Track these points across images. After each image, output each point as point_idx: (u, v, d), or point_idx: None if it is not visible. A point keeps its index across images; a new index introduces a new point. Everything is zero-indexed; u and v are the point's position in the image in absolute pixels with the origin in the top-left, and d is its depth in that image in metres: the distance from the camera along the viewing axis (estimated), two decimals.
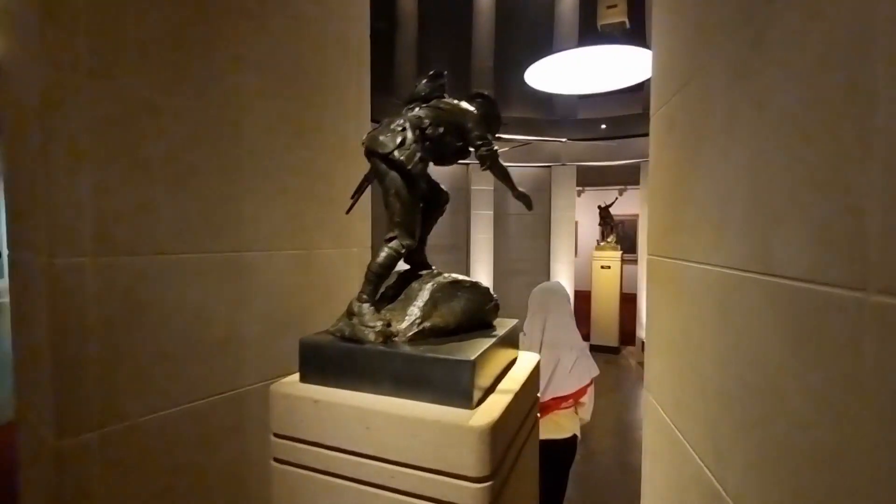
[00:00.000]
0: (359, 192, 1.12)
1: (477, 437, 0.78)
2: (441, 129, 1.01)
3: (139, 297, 1.13)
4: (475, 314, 1.06)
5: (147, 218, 1.14)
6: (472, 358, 0.85)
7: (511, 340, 1.12)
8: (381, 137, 0.99)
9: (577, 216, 7.82)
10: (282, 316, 1.47)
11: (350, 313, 0.99)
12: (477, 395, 0.86)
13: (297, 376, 1.00)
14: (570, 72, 5.22)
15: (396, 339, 0.94)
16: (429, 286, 1.01)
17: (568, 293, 2.67)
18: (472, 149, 1.06)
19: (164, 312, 1.18)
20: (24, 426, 1.18)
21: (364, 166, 1.02)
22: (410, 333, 0.94)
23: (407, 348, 0.90)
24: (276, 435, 0.95)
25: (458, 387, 0.85)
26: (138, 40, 1.11)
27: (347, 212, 1.16)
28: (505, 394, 0.92)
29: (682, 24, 1.14)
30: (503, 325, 1.11)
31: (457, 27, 7.54)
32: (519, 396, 0.95)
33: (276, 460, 0.95)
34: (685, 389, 1.09)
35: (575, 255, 7.68)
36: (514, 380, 1.01)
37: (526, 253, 7.60)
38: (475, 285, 1.08)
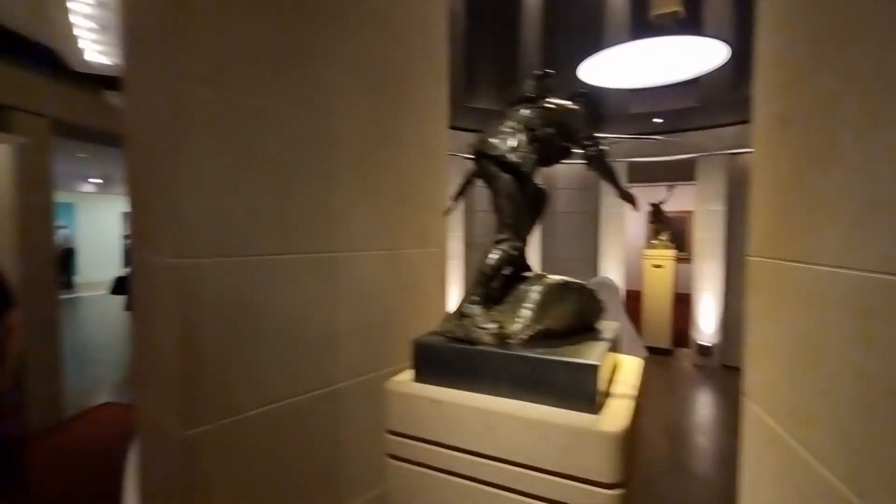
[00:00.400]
0: (460, 193, 1.12)
1: (611, 442, 0.76)
2: (551, 130, 1.00)
3: (249, 297, 1.19)
4: (583, 317, 1.05)
5: (255, 220, 1.19)
6: (598, 362, 0.84)
7: (616, 343, 1.10)
8: (493, 140, 0.99)
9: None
10: (371, 315, 1.50)
11: (460, 314, 0.99)
12: (599, 399, 0.85)
13: (407, 374, 1.02)
14: (623, 66, 5.07)
15: (510, 341, 0.93)
16: (538, 289, 1.00)
17: (618, 287, 2.70)
18: (578, 149, 1.04)
19: (269, 311, 1.23)
20: (144, 417, 1.26)
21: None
22: (525, 336, 0.94)
23: (525, 351, 0.90)
24: (391, 432, 0.97)
25: (582, 390, 0.84)
26: (248, 50, 1.16)
27: (447, 213, 1.17)
28: (626, 398, 0.90)
29: (804, 13, 1.07)
30: (607, 328, 1.09)
31: (504, 23, 7.48)
32: (638, 401, 0.92)
33: (392, 457, 0.97)
34: (806, 399, 1.03)
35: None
36: (629, 384, 0.98)
37: (574, 251, 7.45)
38: (582, 288, 1.06)
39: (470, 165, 1.06)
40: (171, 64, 1.05)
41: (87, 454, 3.65)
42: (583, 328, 1.04)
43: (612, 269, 7.22)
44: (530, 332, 0.94)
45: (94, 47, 2.13)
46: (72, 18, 1.84)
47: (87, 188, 10.67)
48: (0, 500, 2.71)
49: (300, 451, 1.32)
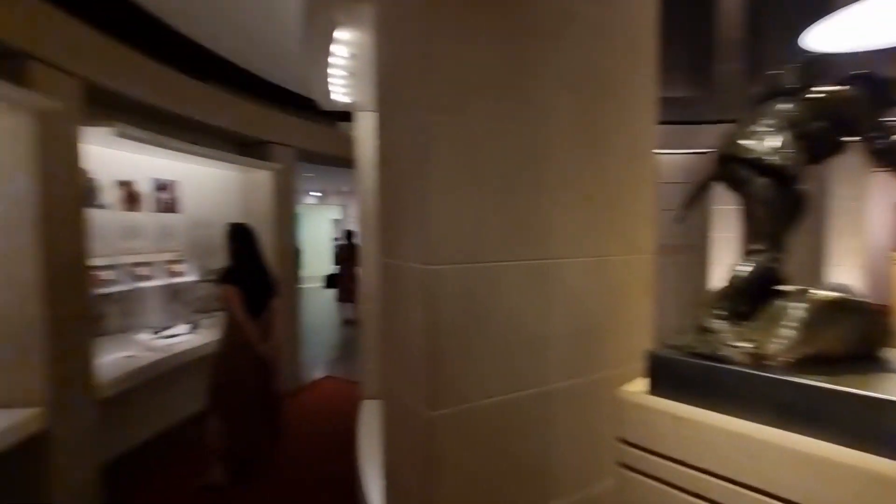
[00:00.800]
0: (694, 199, 1.06)
1: None
2: (823, 124, 0.87)
3: (476, 300, 1.32)
4: (864, 342, 0.88)
5: (481, 231, 1.32)
6: None
7: None
8: (746, 141, 0.90)
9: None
10: (578, 321, 1.52)
11: (703, 328, 0.94)
12: None
13: (639, 384, 1.01)
14: (868, 22, 4.00)
15: (769, 363, 0.84)
16: (803, 306, 0.88)
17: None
18: (862, 142, 0.88)
19: (492, 313, 1.35)
20: (390, 398, 1.51)
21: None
22: (789, 359, 0.83)
23: (798, 377, 0.80)
24: (625, 442, 0.97)
25: (887, 432, 0.71)
26: (479, 78, 1.28)
27: (678, 221, 1.11)
28: None
29: None
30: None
31: None
32: None
33: (625, 466, 0.97)
34: None
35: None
36: None
37: (792, 254, 6.19)
38: (861, 305, 0.90)
39: (706, 168, 1.00)
40: (420, 99, 1.24)
41: (321, 414, 4.52)
42: (864, 355, 0.88)
43: (846, 277, 5.78)
44: (796, 355, 0.84)
45: (340, 90, 2.64)
46: (328, 70, 2.33)
47: (308, 200, 13.17)
48: (266, 443, 3.55)
49: (514, 443, 1.42)
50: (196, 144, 3.90)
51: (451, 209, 1.26)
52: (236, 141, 4.62)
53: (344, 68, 2.29)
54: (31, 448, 2.49)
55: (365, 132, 2.98)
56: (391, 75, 1.42)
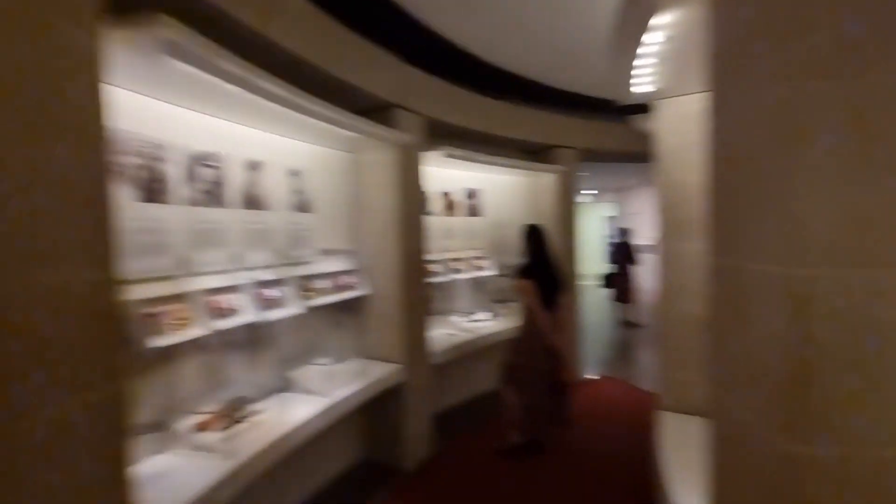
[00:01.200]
0: None
1: None
2: None
3: (864, 312, 1.01)
4: None
5: (879, 223, 1.00)
6: None
7: None
8: None
9: None
10: None
11: None
12: None
13: None
14: None
15: None
16: None
17: None
18: None
19: (888, 332, 1.01)
20: (723, 418, 1.33)
21: None
22: None
23: None
24: None
25: None
26: (884, 31, 0.97)
27: None
28: None
29: None
30: None
31: None
32: None
33: None
34: None
35: None
36: None
37: None
38: None
39: None
40: (789, 66, 1.04)
41: (603, 412, 4.47)
42: None
43: None
44: None
45: (645, 79, 2.52)
46: (635, 61, 2.26)
47: (582, 199, 13.24)
48: (555, 425, 3.73)
49: None
50: (495, 156, 4.46)
51: (830, 197, 1.01)
52: (525, 148, 5.04)
53: (654, 56, 2.14)
54: (396, 393, 3.39)
55: (668, 120, 2.73)
56: (736, 44, 1.23)
